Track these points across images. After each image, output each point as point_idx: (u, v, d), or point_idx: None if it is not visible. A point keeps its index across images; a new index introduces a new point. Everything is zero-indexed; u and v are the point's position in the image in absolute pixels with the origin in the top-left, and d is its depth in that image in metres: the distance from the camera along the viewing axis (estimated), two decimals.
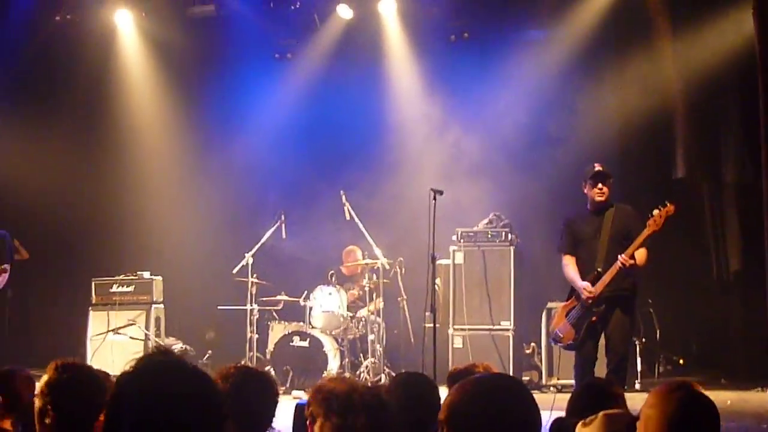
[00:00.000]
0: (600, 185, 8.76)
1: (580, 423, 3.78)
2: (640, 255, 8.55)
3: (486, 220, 11.83)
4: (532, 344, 11.63)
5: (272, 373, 10.47)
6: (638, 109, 12.14)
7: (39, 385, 3.93)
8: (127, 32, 13.92)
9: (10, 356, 9.24)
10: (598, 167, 8.80)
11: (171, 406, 2.34)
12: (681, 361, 11.71)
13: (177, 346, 12.05)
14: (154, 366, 2.45)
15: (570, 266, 8.88)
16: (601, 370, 8.92)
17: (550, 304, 11.11)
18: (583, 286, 8.61)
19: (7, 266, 10.36)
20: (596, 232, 8.75)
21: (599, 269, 8.58)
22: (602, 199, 8.79)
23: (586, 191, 8.89)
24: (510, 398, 2.81)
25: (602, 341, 8.80)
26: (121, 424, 2.35)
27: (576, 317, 8.68)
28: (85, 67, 14.03)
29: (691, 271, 12.12)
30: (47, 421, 3.82)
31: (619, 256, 8.43)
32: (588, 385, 5.13)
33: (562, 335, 8.82)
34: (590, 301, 8.57)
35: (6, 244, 10.51)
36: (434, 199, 9.32)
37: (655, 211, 8.37)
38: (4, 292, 10.77)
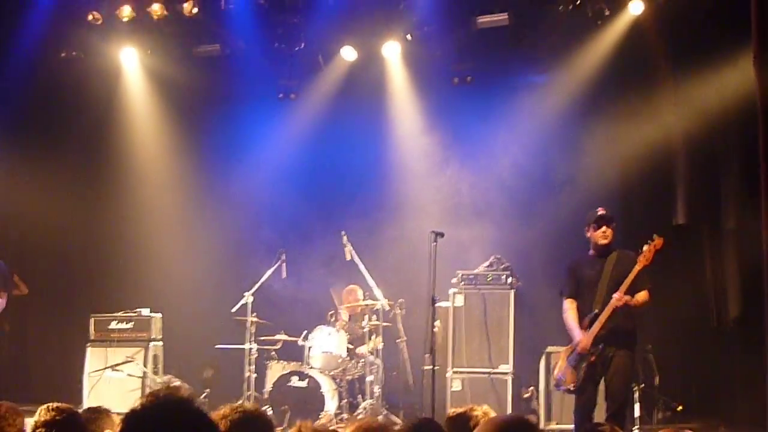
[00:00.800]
0: (604, 228, 8.81)
1: None
2: (641, 296, 8.59)
3: (486, 263, 11.83)
4: (531, 388, 11.60)
5: (270, 412, 10.44)
6: (639, 154, 12.16)
7: (30, 424, 3.98)
8: (133, 70, 13.96)
9: (6, 391, 9.19)
10: (601, 211, 8.86)
11: None
12: (680, 408, 11.64)
13: (174, 384, 12.00)
14: (161, 404, 2.47)
15: (570, 312, 8.91)
16: (600, 415, 8.89)
17: (549, 348, 11.08)
18: (579, 337, 8.65)
19: (4, 294, 10.34)
20: (598, 276, 8.77)
21: (596, 311, 8.60)
22: (606, 242, 8.84)
23: (588, 235, 8.94)
24: None
25: (602, 386, 8.79)
26: None
27: (576, 360, 8.69)
28: (90, 105, 14.08)
29: (691, 316, 12.08)
30: None
31: (613, 295, 8.45)
32: (587, 430, 5.12)
33: (564, 379, 8.83)
34: (581, 351, 8.60)
35: (4, 274, 10.50)
36: (435, 241, 9.34)
37: (645, 247, 8.45)
38: (0, 325, 10.74)
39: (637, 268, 8.47)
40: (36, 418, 4.01)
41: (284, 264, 11.93)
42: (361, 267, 11.67)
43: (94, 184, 14.35)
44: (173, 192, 14.18)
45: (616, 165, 12.50)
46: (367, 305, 11.67)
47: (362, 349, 11.73)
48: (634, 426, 10.48)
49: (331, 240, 12.19)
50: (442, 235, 9.49)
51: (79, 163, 14.27)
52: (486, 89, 13.09)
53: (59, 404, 4.12)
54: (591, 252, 8.98)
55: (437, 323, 10.76)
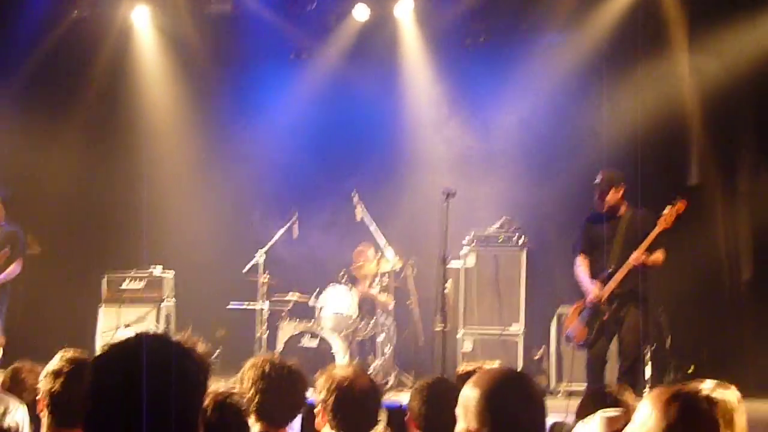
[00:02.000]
0: (595, 194, 8.86)
1: (579, 422, 3.78)
2: (658, 255, 8.59)
3: (498, 224, 11.80)
4: (542, 348, 11.59)
5: None
6: (654, 115, 12.07)
7: (45, 370, 4.03)
8: (144, 29, 13.92)
9: (20, 350, 9.22)
10: (597, 178, 8.88)
11: (143, 374, 2.34)
12: (691, 369, 11.64)
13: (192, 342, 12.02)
14: (128, 342, 2.46)
15: (582, 267, 8.97)
16: (613, 375, 8.91)
17: (560, 309, 11.09)
18: (590, 287, 8.64)
19: (19, 260, 10.38)
20: (612, 234, 8.78)
21: (610, 269, 8.61)
22: (603, 210, 8.85)
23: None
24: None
25: (614, 345, 8.81)
26: (100, 398, 2.37)
27: (588, 316, 8.74)
28: (101, 64, 14.02)
29: (703, 278, 12.03)
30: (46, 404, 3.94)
31: (632, 255, 8.45)
32: (594, 391, 5.12)
33: (574, 334, 8.91)
34: (592, 303, 8.61)
35: (19, 239, 10.53)
36: (447, 200, 9.30)
37: (666, 210, 8.43)
38: (15, 286, 10.78)
39: (658, 229, 8.50)
40: (49, 365, 4.07)
41: (296, 224, 11.94)
42: (372, 227, 11.66)
43: (106, 143, 14.34)
44: (185, 151, 14.18)
45: (631, 125, 12.41)
46: (378, 265, 11.66)
47: (373, 311, 11.72)
48: (644, 387, 10.49)
49: (342, 199, 12.17)
50: (453, 194, 9.46)
51: (92, 122, 14.25)
52: (499, 50, 13.01)
53: (73, 354, 4.15)
54: (600, 210, 8.99)
55: (448, 283, 10.75)
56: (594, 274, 8.93)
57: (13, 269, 10.27)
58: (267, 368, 4.36)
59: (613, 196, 8.91)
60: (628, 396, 4.83)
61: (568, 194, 11.83)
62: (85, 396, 2.44)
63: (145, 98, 14.20)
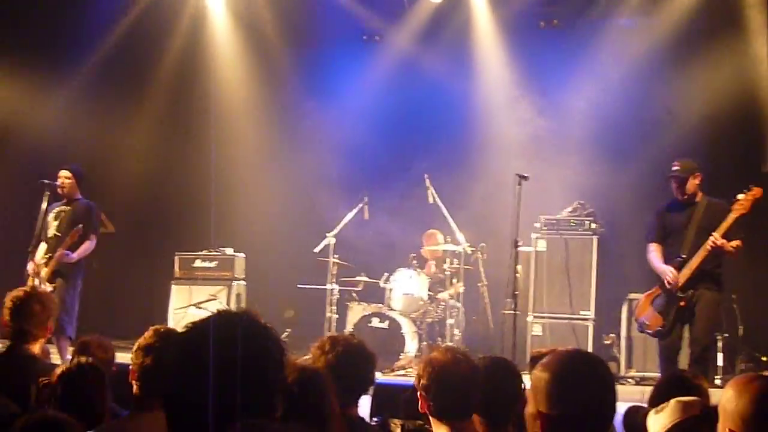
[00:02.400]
0: (674, 183, 8.78)
1: (652, 410, 3.76)
2: (735, 244, 8.50)
3: (570, 208, 11.73)
4: (612, 335, 11.50)
5: None
6: (728, 101, 11.92)
7: (137, 344, 4.16)
8: (217, 11, 14.05)
9: (93, 327, 9.38)
10: (675, 166, 8.82)
11: (236, 348, 2.39)
12: (764, 358, 11.50)
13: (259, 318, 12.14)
14: (208, 320, 2.51)
15: (655, 252, 8.92)
16: (684, 362, 8.84)
17: (631, 295, 11.00)
18: (668, 269, 8.59)
19: (93, 236, 10.51)
20: (687, 222, 8.73)
21: (684, 255, 8.55)
22: (683, 197, 8.78)
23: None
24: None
25: (686, 333, 8.75)
26: (183, 375, 2.42)
27: (662, 304, 8.71)
28: (175, 45, 14.17)
29: None
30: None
31: (711, 236, 8.38)
32: (670, 377, 5.09)
33: (648, 323, 8.85)
34: (671, 285, 8.55)
35: (93, 215, 10.66)
36: (519, 184, 9.27)
37: (740, 195, 8.37)
38: (89, 263, 10.92)
39: (735, 215, 8.41)
40: (140, 339, 4.18)
41: (366, 206, 11.98)
42: (444, 210, 11.66)
43: (179, 125, 14.52)
44: (257, 133, 14.30)
45: (705, 110, 12.26)
46: (448, 249, 11.65)
47: (443, 294, 11.73)
48: (716, 375, 10.39)
49: (414, 183, 12.19)
50: (526, 178, 9.43)
51: (165, 103, 14.41)
52: (573, 33, 12.95)
53: (164, 329, 4.26)
54: (679, 199, 8.93)
55: (519, 268, 10.71)
56: (667, 261, 8.87)
57: (87, 246, 10.37)
58: (327, 347, 4.42)
59: (691, 184, 8.82)
60: (703, 382, 4.80)
61: (641, 179, 11.73)
62: (167, 372, 2.50)
63: (217, 80, 14.32)
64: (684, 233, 8.75)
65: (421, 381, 3.95)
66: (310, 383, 3.82)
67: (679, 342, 8.80)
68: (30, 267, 10.22)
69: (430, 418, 3.98)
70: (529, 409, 3.06)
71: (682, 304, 8.64)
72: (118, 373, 4.96)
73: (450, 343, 11.13)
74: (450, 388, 3.90)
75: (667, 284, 8.67)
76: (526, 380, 3.59)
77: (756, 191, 8.42)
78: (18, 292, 5.15)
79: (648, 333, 9.11)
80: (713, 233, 8.43)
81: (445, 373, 3.91)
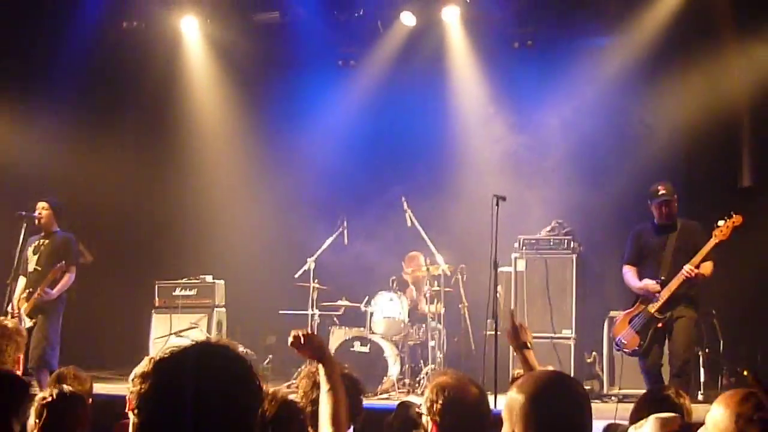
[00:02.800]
0: (664, 209, 8.85)
1: (631, 427, 3.77)
2: (707, 267, 8.63)
3: (548, 228, 11.77)
4: (594, 353, 11.51)
5: None
6: (704, 116, 11.99)
7: (134, 373, 4.10)
8: (193, 38, 14.04)
9: (73, 357, 9.34)
10: (662, 191, 8.89)
11: (202, 379, 2.40)
12: (745, 373, 11.49)
13: (239, 349, 12.10)
14: (187, 349, 2.51)
15: (631, 273, 9.00)
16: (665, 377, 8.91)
17: (612, 313, 11.02)
18: (650, 282, 8.68)
19: (72, 268, 10.50)
20: (662, 246, 8.82)
21: (663, 278, 8.62)
22: (666, 222, 8.86)
23: (652, 208, 8.97)
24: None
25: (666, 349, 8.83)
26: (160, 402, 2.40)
27: (641, 324, 8.81)
28: (151, 73, 14.19)
29: (756, 281, 11.92)
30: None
31: (684, 266, 8.45)
32: (650, 395, 5.09)
33: (625, 341, 8.95)
34: (658, 293, 8.64)
35: (72, 248, 10.66)
36: (497, 205, 9.28)
37: (721, 222, 8.43)
38: (68, 294, 10.88)
39: (713, 242, 8.54)
40: (137, 369, 4.11)
41: (345, 230, 11.97)
42: (422, 232, 11.66)
43: (156, 152, 14.50)
44: (234, 159, 14.30)
45: (680, 127, 12.33)
46: (428, 271, 11.65)
47: (424, 308, 11.72)
48: (699, 390, 10.40)
49: (390, 206, 12.18)
50: (504, 198, 9.44)
51: (142, 131, 14.43)
52: (547, 53, 13.01)
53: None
54: (655, 221, 9.00)
55: (499, 288, 10.72)
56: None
57: (67, 280, 10.38)
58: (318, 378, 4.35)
59: (674, 207, 8.95)
60: (685, 399, 4.80)
61: (619, 197, 11.79)
62: (141, 399, 2.48)
63: (195, 106, 14.34)
64: (661, 255, 8.88)
65: (435, 406, 3.91)
66: (289, 417, 3.81)
67: (660, 360, 8.88)
68: (12, 304, 10.21)
69: None
70: (504, 429, 3.07)
71: (660, 325, 8.77)
72: (94, 405, 4.92)
73: (434, 367, 11.14)
74: (464, 411, 3.88)
75: (654, 295, 8.77)
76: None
77: (736, 219, 8.53)
78: None
79: (625, 352, 9.20)
80: (688, 265, 8.54)
81: (459, 397, 3.89)
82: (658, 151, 12.00)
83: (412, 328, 11.61)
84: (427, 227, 11.75)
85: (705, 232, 8.79)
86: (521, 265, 11.60)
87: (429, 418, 3.91)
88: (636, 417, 4.39)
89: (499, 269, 9.91)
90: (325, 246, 11.83)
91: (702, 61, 12.13)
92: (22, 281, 10.38)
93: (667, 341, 8.89)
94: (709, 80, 12.07)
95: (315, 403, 4.22)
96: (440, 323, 11.66)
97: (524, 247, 11.64)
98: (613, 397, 10.79)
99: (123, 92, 14.29)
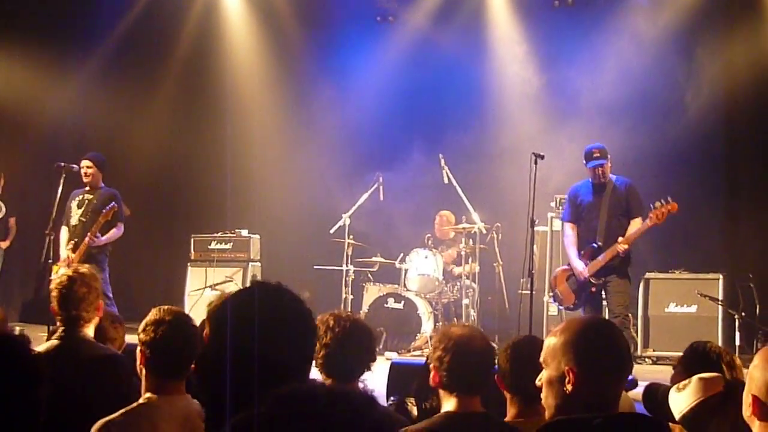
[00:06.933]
0: (599, 169, 8.93)
1: (673, 388, 3.71)
2: (638, 229, 8.89)
3: None
4: (629, 315, 11.47)
5: None
6: (745, 80, 11.88)
7: (144, 323, 4.07)
8: None
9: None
10: (596, 153, 8.99)
11: (274, 321, 2.47)
12: None
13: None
14: (257, 288, 2.54)
15: (570, 237, 9.39)
16: None
17: (648, 275, 11.01)
18: (580, 264, 9.09)
19: (120, 223, 10.54)
20: (597, 206, 8.98)
21: (599, 243, 8.75)
22: (600, 181, 9.13)
23: (587, 169, 9.06)
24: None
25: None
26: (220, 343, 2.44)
27: (576, 285, 9.10)
28: (190, 27, 14.20)
29: None
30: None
31: (618, 245, 8.65)
32: (695, 350, 5.02)
33: (562, 297, 9.42)
34: (581, 279, 9.01)
35: (118, 202, 10.69)
36: (535, 163, 9.23)
37: (657, 204, 8.53)
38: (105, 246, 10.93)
39: (648, 224, 8.73)
40: (147, 318, 4.09)
41: (381, 186, 11.96)
42: (459, 190, 11.62)
43: (193, 108, 14.52)
44: (272, 115, 14.30)
45: (721, 89, 12.20)
46: (463, 229, 11.63)
47: (458, 270, 11.73)
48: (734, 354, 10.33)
49: (428, 163, 12.15)
50: (542, 157, 9.37)
51: (178, 87, 14.44)
52: (587, 12, 12.88)
53: (170, 306, 4.20)
54: (591, 180, 9.07)
55: (534, 247, 10.68)
56: (582, 240, 9.24)
57: (115, 232, 10.42)
58: (332, 323, 4.36)
59: (608, 168, 9.05)
60: (731, 356, 4.73)
61: (656, 159, 11.73)
62: (204, 343, 2.54)
63: (232, 62, 14.34)
64: (596, 214, 9.09)
65: (436, 352, 3.92)
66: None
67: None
68: (61, 254, 10.28)
69: (440, 390, 3.95)
70: (542, 375, 3.06)
71: (593, 290, 9.01)
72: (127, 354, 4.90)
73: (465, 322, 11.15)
74: (465, 361, 3.87)
75: (578, 276, 9.11)
76: None
77: (672, 206, 8.64)
78: (62, 277, 5.04)
79: (560, 307, 9.91)
80: (621, 244, 8.79)
81: (461, 346, 3.88)
82: (698, 113, 11.89)
83: (446, 286, 11.61)
84: (464, 185, 11.72)
85: (637, 194, 9.11)
86: (557, 225, 11.54)
87: (431, 365, 3.93)
88: (678, 375, 4.35)
89: (536, 228, 9.87)
90: (360, 202, 11.83)
91: (744, 25, 11.99)
92: (64, 232, 10.42)
93: (605, 300, 9.21)
94: (751, 43, 11.93)
95: (328, 346, 4.24)
96: (474, 281, 11.65)
97: (560, 207, 11.58)
98: (647, 359, 10.78)
99: (161, 47, 14.32)
